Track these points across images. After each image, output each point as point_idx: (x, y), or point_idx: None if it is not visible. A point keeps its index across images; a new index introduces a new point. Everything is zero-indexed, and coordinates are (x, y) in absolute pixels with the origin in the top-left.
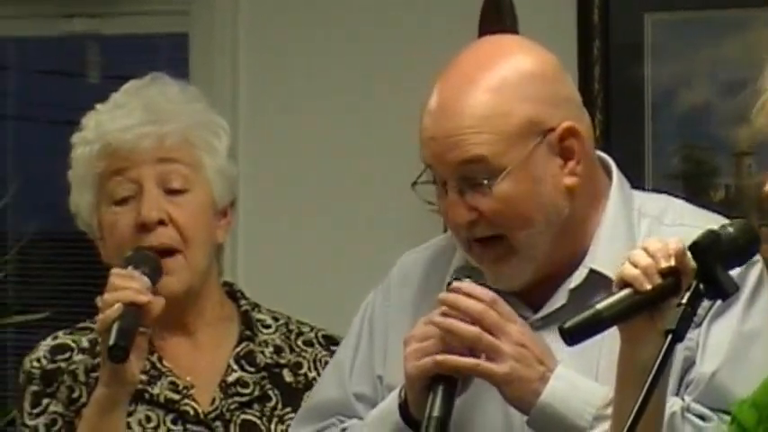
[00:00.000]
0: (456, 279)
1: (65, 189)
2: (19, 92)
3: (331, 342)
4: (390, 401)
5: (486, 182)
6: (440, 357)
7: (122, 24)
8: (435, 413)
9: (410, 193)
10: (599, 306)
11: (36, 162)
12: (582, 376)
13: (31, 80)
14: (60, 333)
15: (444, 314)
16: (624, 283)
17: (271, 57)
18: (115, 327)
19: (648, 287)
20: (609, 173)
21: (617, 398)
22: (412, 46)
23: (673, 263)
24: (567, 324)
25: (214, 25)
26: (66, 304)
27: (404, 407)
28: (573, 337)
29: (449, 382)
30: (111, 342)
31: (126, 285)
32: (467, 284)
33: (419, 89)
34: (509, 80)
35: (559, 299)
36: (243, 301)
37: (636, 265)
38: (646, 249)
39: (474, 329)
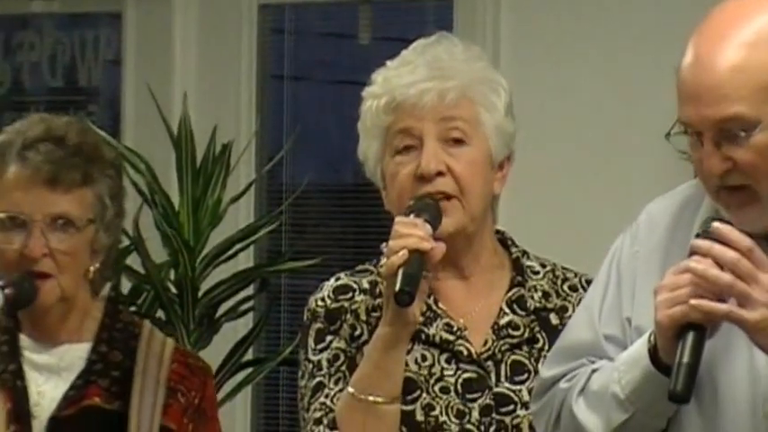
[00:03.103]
0: (704, 231)
1: (336, 144)
2: (294, 53)
3: None
4: (640, 346)
5: (743, 134)
6: (694, 301)
7: None
8: (685, 359)
9: (661, 140)
10: None
11: (309, 119)
12: None
13: (306, 42)
14: (342, 274)
15: (697, 260)
16: None
17: (532, 20)
18: (401, 273)
19: None
20: None
21: None
22: (660, 4)
23: None
24: None
25: None
26: (336, 251)
27: (653, 352)
28: None
29: (698, 329)
30: (398, 288)
31: (410, 233)
32: (726, 228)
33: (667, 43)
34: (762, 35)
35: None
36: (514, 249)
37: None
38: None
39: (728, 276)
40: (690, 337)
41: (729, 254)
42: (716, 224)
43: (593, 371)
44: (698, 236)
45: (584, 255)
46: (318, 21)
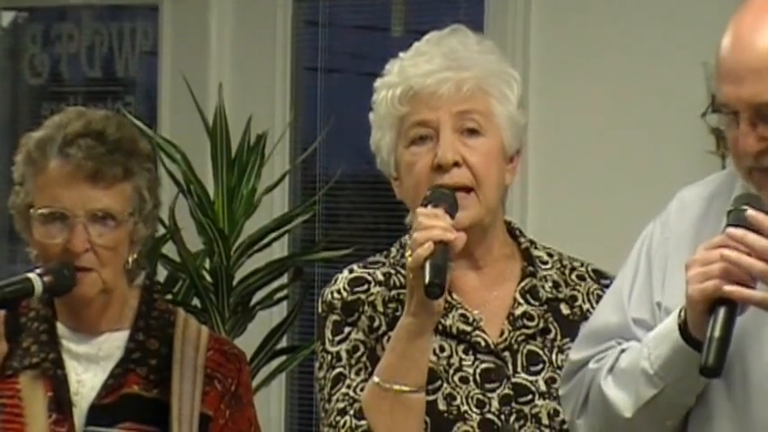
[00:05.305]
0: (736, 209)
1: (368, 135)
2: (328, 46)
3: (600, 276)
4: (670, 321)
5: None
6: (728, 288)
7: None
8: (717, 333)
9: (693, 131)
10: None
11: (342, 110)
12: None
13: (340, 35)
14: (355, 266)
15: (730, 246)
16: None
17: (563, 13)
18: (428, 264)
19: None
20: None
21: None
22: None
23: None
24: None
25: None
26: (369, 242)
27: (683, 327)
28: None
29: (730, 304)
30: (428, 280)
31: (434, 224)
32: (761, 217)
33: (699, 34)
34: None
35: None
36: (522, 239)
37: None
38: None
39: (761, 265)
40: (721, 311)
41: (762, 242)
42: (750, 212)
43: (622, 350)
44: (730, 213)
45: (615, 247)
46: (352, 13)
